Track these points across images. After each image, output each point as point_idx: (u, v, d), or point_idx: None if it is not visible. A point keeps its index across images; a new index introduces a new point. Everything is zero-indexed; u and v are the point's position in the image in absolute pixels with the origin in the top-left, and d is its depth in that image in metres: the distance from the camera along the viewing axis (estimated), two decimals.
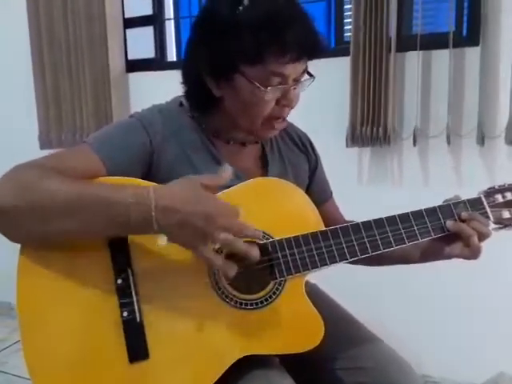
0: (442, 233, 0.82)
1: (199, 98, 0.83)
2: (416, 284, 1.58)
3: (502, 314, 1.56)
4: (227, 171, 0.68)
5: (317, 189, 0.97)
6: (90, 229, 0.66)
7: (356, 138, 1.57)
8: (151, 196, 0.63)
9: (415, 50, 1.49)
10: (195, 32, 0.80)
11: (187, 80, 0.84)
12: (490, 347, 1.58)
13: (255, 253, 0.67)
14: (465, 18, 1.50)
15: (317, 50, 0.77)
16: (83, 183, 0.67)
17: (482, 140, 1.46)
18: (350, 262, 0.97)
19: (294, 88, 0.78)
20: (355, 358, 0.85)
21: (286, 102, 0.79)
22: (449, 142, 1.50)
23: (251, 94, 0.76)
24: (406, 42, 1.52)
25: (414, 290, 1.62)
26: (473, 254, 0.80)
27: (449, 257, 0.83)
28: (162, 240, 0.65)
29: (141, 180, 0.74)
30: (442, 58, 1.49)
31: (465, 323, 1.60)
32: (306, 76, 0.80)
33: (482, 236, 0.80)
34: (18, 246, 0.69)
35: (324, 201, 0.98)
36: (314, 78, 0.81)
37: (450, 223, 0.81)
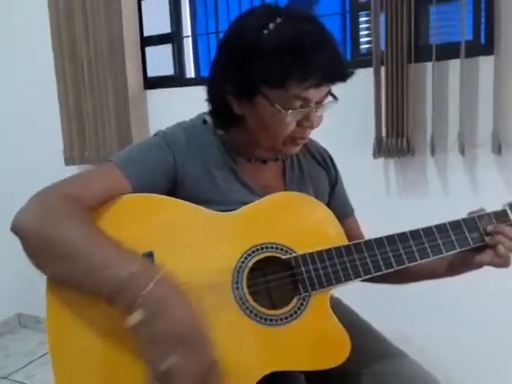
0: (467, 246, 0.81)
1: (222, 115, 0.85)
2: (438, 293, 1.56)
3: None
4: None
5: (337, 205, 0.96)
6: (73, 280, 0.66)
7: (382, 149, 1.57)
8: (157, 274, 0.62)
9: (431, 60, 1.49)
10: (221, 53, 0.82)
11: (211, 98, 0.86)
12: None
13: None
14: (482, 27, 1.49)
15: (340, 76, 0.77)
16: (97, 236, 0.67)
17: (499, 149, 1.44)
18: (378, 281, 0.97)
19: (316, 110, 0.79)
20: (381, 374, 0.84)
21: (307, 123, 0.79)
22: (462, 152, 1.49)
23: (272, 115, 0.77)
24: (423, 52, 1.51)
25: (437, 299, 1.59)
26: (503, 262, 0.80)
27: (479, 265, 0.83)
28: (135, 318, 0.61)
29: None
30: (461, 66, 1.48)
31: (493, 333, 1.56)
32: (329, 98, 0.80)
33: (510, 247, 0.80)
34: None
35: (345, 217, 0.97)
36: (338, 99, 0.81)
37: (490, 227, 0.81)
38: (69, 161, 2.04)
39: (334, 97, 0.81)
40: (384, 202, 1.64)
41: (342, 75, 0.77)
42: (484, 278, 1.38)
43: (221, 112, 0.84)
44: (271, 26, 0.74)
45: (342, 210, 0.96)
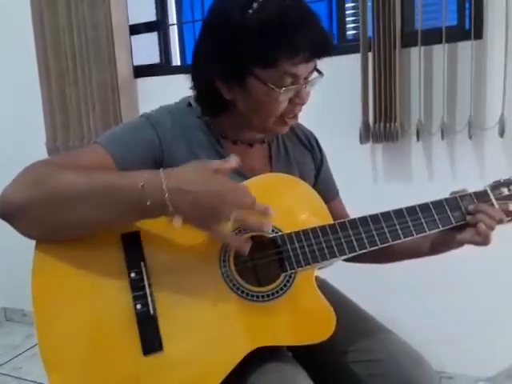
0: (449, 224, 0.82)
1: (210, 102, 0.84)
2: (427, 279, 1.58)
3: None
4: (234, 158, 0.70)
5: (322, 187, 0.97)
6: (106, 216, 0.67)
7: (369, 134, 1.57)
8: (162, 179, 0.64)
9: (416, 45, 1.50)
10: (205, 37, 0.81)
11: (197, 85, 0.84)
12: (503, 341, 1.57)
13: (267, 227, 0.69)
14: (467, 13, 1.50)
15: (328, 49, 0.77)
16: (94, 172, 0.69)
17: (502, 132, 1.45)
18: (362, 261, 0.98)
19: (305, 86, 0.79)
20: (367, 350, 0.85)
21: (298, 100, 0.80)
22: (442, 137, 1.50)
23: (265, 95, 0.77)
24: (409, 38, 1.52)
25: (425, 284, 1.61)
26: (483, 240, 0.81)
27: (460, 244, 0.84)
28: (177, 221, 0.66)
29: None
30: (443, 52, 1.49)
31: (478, 317, 1.59)
32: (315, 74, 0.81)
33: (490, 226, 0.81)
34: (31, 255, 0.70)
35: (330, 199, 0.98)
36: (323, 75, 0.81)
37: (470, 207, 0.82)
38: (52, 151, 2.01)
39: (320, 72, 0.81)
40: (370, 187, 1.65)
41: (329, 49, 0.77)
42: (471, 262, 1.42)
43: (209, 99, 0.83)
44: (255, 4, 0.73)
45: (327, 192, 0.97)
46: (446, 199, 0.84)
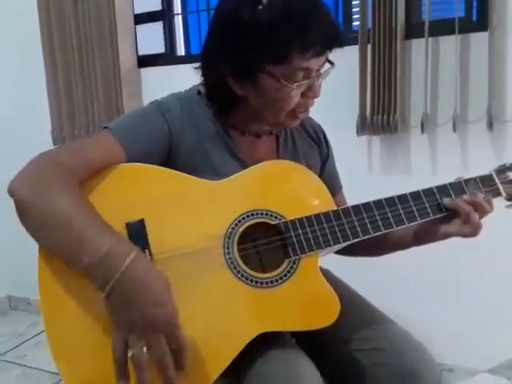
0: (440, 213, 0.81)
1: (222, 99, 0.83)
2: (428, 272, 1.58)
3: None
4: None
5: (326, 180, 0.95)
6: (55, 249, 0.67)
7: (366, 126, 1.57)
8: (126, 263, 0.62)
9: (423, 37, 1.48)
10: (215, 35, 0.80)
11: (208, 82, 0.84)
12: (503, 334, 1.57)
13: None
14: (474, 4, 1.49)
15: (339, 41, 0.77)
16: (80, 208, 0.67)
17: (490, 125, 1.46)
18: (357, 253, 0.97)
19: (318, 79, 0.79)
20: (370, 339, 0.85)
21: (311, 94, 0.80)
22: (454, 129, 1.49)
23: (277, 91, 0.77)
24: (414, 29, 1.51)
25: (426, 277, 1.61)
26: (472, 230, 0.79)
27: (445, 236, 0.82)
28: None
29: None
30: (449, 44, 1.48)
31: (478, 310, 1.58)
32: (327, 65, 0.80)
33: (482, 212, 0.79)
34: (36, 244, 0.70)
35: (333, 194, 0.96)
36: (334, 64, 0.80)
37: (446, 200, 0.80)
38: (58, 141, 2.02)
39: (331, 62, 0.80)
40: (366, 180, 1.64)
41: (340, 41, 0.77)
42: (471, 256, 1.41)
43: (220, 95, 0.83)
44: (264, 0, 0.73)
45: (331, 186, 0.96)
46: (450, 184, 0.83)
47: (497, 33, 1.42)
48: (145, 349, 0.61)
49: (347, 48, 1.55)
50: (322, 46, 0.74)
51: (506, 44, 1.43)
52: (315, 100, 0.83)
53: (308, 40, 0.72)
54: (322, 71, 0.79)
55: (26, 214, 0.68)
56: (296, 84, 0.75)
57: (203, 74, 0.84)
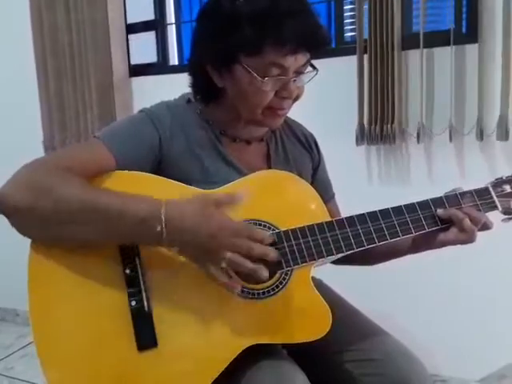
0: (435, 226, 0.80)
1: (203, 88, 0.85)
2: (419, 283, 1.58)
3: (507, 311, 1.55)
4: (240, 196, 0.69)
5: (318, 188, 0.96)
6: (101, 238, 0.68)
7: (365, 136, 1.58)
8: (162, 215, 0.65)
9: (418, 48, 1.50)
10: (199, 24, 0.82)
11: (192, 71, 0.86)
12: (495, 343, 1.57)
13: (265, 273, 0.67)
14: (464, 16, 1.51)
15: (317, 43, 0.77)
16: (98, 193, 0.69)
17: (481, 136, 1.47)
18: (352, 262, 0.97)
19: (295, 80, 0.78)
20: (363, 350, 0.84)
21: (285, 93, 0.79)
22: (450, 139, 1.51)
23: (249, 84, 0.77)
24: (409, 41, 1.53)
25: (419, 287, 1.61)
26: (468, 237, 0.79)
27: (443, 244, 0.82)
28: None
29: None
30: (443, 55, 1.50)
31: (470, 321, 1.59)
32: (309, 69, 0.80)
33: (474, 220, 0.79)
34: (25, 255, 0.69)
35: (325, 201, 0.96)
36: (318, 70, 0.81)
37: (440, 211, 0.80)
38: (49, 149, 2.00)
39: (314, 67, 0.80)
40: (365, 189, 1.65)
41: (319, 43, 0.77)
42: (464, 265, 1.42)
43: (202, 84, 0.84)
44: None
45: (323, 194, 0.95)
46: (446, 196, 0.82)
47: (486, 45, 1.44)
48: (229, 254, 0.65)
49: (345, 58, 1.58)
50: (298, 43, 0.74)
51: (493, 56, 1.45)
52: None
53: (283, 35, 0.73)
54: (301, 74, 0.79)
55: (31, 220, 0.66)
56: (266, 78, 0.75)
57: (189, 62, 0.86)
